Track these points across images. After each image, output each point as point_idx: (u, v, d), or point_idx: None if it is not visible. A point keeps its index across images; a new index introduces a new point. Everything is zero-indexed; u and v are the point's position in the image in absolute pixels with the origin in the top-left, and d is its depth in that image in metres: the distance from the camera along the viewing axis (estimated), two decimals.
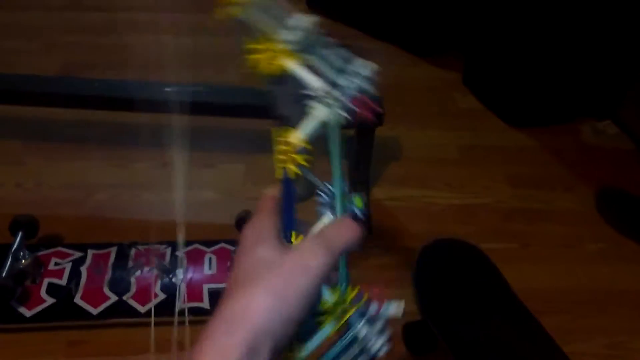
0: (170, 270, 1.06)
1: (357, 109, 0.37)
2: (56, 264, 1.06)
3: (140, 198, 1.26)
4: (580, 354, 0.99)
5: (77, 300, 1.00)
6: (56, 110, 1.33)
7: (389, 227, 1.21)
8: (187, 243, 1.13)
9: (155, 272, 1.06)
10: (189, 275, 1.06)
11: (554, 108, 1.54)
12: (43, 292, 1.02)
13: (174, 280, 1.05)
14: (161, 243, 1.10)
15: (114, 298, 1.01)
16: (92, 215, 1.21)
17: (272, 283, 0.32)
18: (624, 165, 1.40)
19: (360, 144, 1.24)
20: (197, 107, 1.18)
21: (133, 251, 1.09)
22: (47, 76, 1.40)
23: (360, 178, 1.26)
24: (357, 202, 0.37)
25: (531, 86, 1.50)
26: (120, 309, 1.00)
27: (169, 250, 1.09)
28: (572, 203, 1.30)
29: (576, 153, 1.44)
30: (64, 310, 0.99)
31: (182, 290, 1.04)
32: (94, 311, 0.99)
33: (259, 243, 0.35)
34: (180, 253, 1.09)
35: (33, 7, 1.95)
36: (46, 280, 1.03)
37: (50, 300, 1.00)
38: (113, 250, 1.09)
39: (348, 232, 0.36)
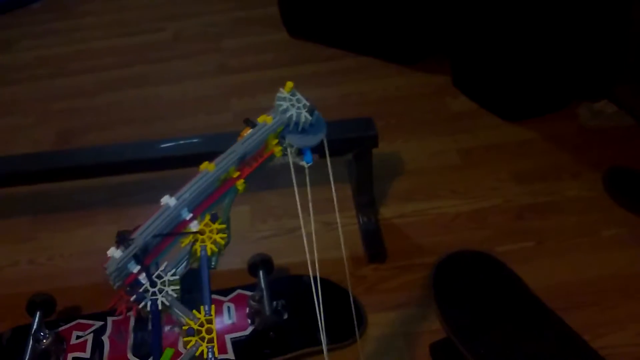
0: None
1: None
2: (77, 337, 1.07)
3: None
4: (614, 347, 0.98)
5: None
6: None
7: (402, 246, 1.21)
8: None
9: (176, 329, 1.06)
10: None
11: (548, 96, 1.53)
12: None
13: None
14: None
15: None
16: (107, 281, 1.22)
17: None
18: (627, 143, 1.39)
19: (359, 167, 1.24)
20: (194, 158, 1.19)
21: None
22: (43, 152, 1.43)
23: (364, 200, 1.26)
24: None
25: (522, 77, 1.49)
26: None
27: None
28: (581, 190, 1.29)
29: (577, 138, 1.43)
30: None
31: None
32: None
33: None
34: None
35: (22, 80, 1.98)
36: (70, 356, 1.04)
37: None
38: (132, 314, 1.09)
39: None
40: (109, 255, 0.40)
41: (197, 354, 0.38)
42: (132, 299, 0.39)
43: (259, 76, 1.83)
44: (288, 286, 1.13)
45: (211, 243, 0.43)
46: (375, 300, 1.11)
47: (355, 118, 1.23)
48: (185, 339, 0.37)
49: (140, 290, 0.40)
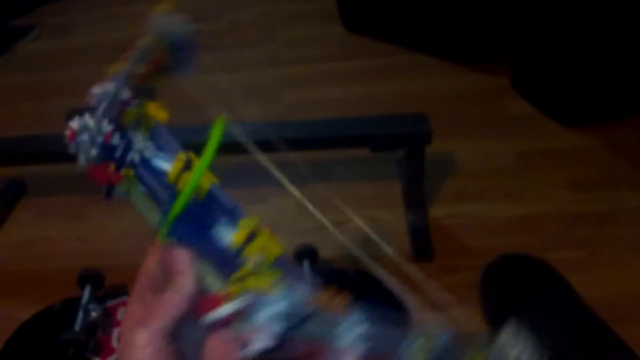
0: None
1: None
2: (124, 313, 1.08)
3: None
4: None
5: None
6: None
7: (450, 246, 1.19)
8: None
9: None
10: None
11: (610, 103, 1.48)
12: (114, 342, 1.04)
13: None
14: None
15: None
16: None
17: None
18: None
19: (411, 164, 1.22)
20: (244, 146, 1.19)
21: None
22: None
23: (415, 198, 1.24)
24: None
25: (585, 82, 1.44)
26: None
27: None
28: (639, 201, 1.24)
29: (638, 147, 1.38)
30: None
31: None
32: None
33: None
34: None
35: (80, 63, 2.03)
36: (116, 330, 1.06)
37: None
38: None
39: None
40: (72, 127, 0.36)
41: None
42: (114, 162, 0.37)
43: (312, 69, 1.82)
44: (332, 279, 1.12)
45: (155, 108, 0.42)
46: (419, 299, 1.09)
47: (408, 113, 1.21)
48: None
49: (120, 151, 0.38)
